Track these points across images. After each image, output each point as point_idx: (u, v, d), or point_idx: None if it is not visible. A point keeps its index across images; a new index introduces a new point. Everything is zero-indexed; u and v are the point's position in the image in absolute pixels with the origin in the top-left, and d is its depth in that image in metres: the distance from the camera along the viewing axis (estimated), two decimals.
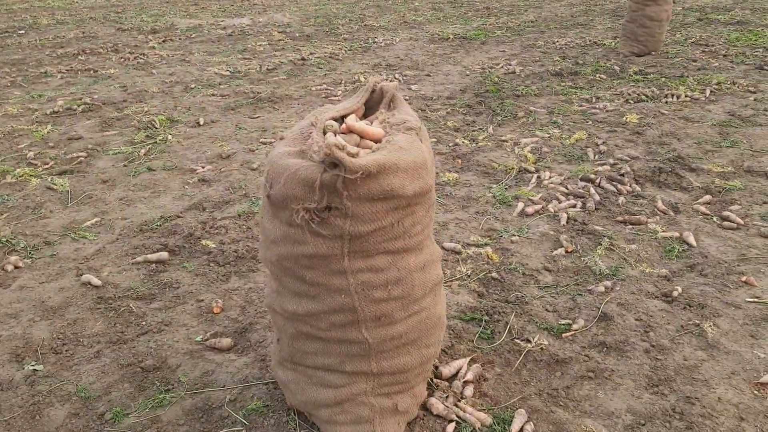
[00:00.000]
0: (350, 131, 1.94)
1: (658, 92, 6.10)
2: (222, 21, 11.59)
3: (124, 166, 4.51)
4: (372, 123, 2.05)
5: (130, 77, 7.17)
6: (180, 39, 9.74)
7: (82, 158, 4.60)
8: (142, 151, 4.73)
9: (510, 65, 7.67)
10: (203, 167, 4.45)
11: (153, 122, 5.34)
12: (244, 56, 8.45)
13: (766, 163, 4.28)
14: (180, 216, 3.73)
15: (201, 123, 5.42)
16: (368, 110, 2.22)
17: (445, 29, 10.66)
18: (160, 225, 3.61)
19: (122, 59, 8.12)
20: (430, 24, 11.50)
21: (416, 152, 1.83)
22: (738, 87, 6.18)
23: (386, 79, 2.28)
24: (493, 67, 7.66)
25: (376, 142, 1.91)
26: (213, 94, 6.38)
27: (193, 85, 6.73)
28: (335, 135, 1.87)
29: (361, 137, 1.93)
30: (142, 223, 3.64)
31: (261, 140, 5.02)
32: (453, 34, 10.08)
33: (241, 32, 10.34)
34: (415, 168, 1.80)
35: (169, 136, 5.06)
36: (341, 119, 2.05)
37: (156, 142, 4.96)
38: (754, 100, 5.76)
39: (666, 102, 5.83)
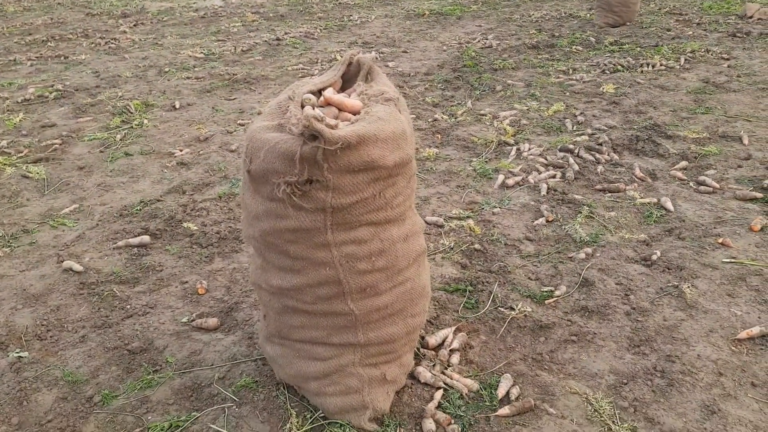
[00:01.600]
0: (328, 104, 1.93)
1: (633, 62, 6.14)
2: (194, 3, 11.40)
3: (101, 152, 4.45)
4: (350, 95, 2.04)
5: (102, 63, 7.03)
6: (152, 22, 9.56)
7: (57, 145, 4.52)
8: (118, 136, 4.66)
9: (486, 39, 7.66)
10: (181, 150, 4.40)
11: (128, 107, 5.26)
12: (218, 38, 8.33)
13: (740, 128, 4.34)
14: (160, 200, 3.70)
15: (177, 106, 5.35)
16: (346, 83, 2.20)
17: (421, 5, 10.59)
18: (140, 209, 3.58)
19: (93, 45, 7.96)
20: (405, 0, 11.41)
21: (395, 123, 1.83)
22: (711, 54, 6.24)
23: (363, 51, 2.27)
24: (469, 41, 7.64)
25: (354, 114, 1.90)
26: (188, 77, 6.29)
27: (167, 69, 6.63)
28: (313, 108, 1.87)
29: (340, 110, 1.92)
30: (121, 208, 3.60)
31: (238, 122, 4.97)
32: (429, 9, 10.02)
33: (213, 14, 10.18)
34: (394, 138, 1.80)
35: (145, 121, 4.99)
36: (319, 93, 2.04)
37: (132, 127, 4.89)
38: (728, 66, 5.82)
39: (642, 71, 5.87)
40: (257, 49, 7.61)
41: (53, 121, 5.03)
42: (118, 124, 4.95)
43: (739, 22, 7.73)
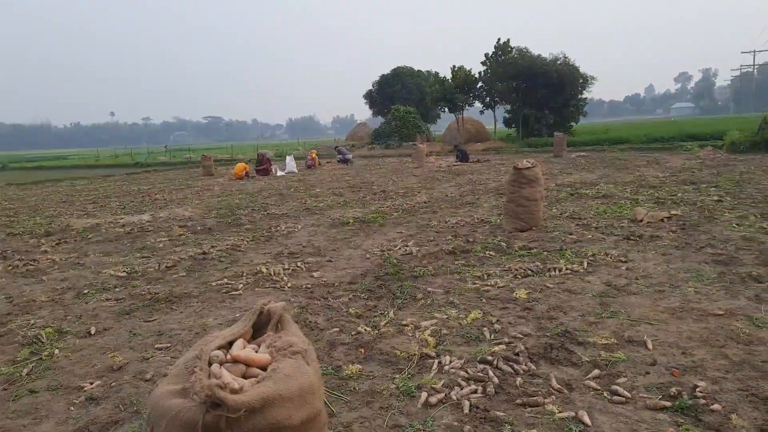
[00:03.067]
0: (236, 361, 1.95)
1: (542, 266, 6.58)
2: (121, 219, 11.61)
3: (3, 390, 4.17)
4: (260, 346, 2.08)
5: (17, 287, 6.87)
6: (75, 240, 9.58)
7: None
8: (25, 370, 4.41)
9: (407, 246, 8.08)
10: (91, 384, 4.19)
11: (39, 336, 5.06)
12: (143, 254, 8.39)
13: (643, 332, 4.61)
14: None
15: (92, 332, 5.19)
16: (257, 331, 2.25)
17: (346, 213, 11.22)
18: None
19: (10, 267, 7.82)
20: (330, 209, 12.08)
21: (302, 378, 1.86)
22: (611, 257, 6.80)
23: (273, 300, 2.35)
24: (391, 248, 8.03)
25: (263, 369, 1.93)
26: (107, 299, 6.20)
27: (86, 291, 6.53)
28: (221, 366, 1.89)
29: (247, 365, 1.95)
30: None
31: (156, 346, 4.85)
32: (353, 217, 10.60)
33: (140, 229, 10.36)
34: (301, 395, 1.82)
35: (56, 351, 4.79)
36: (229, 345, 2.07)
37: (41, 359, 4.67)
38: (626, 269, 6.32)
39: (550, 275, 6.27)
40: (182, 264, 7.68)
41: None
42: (27, 356, 4.72)
43: (632, 225, 8.57)
